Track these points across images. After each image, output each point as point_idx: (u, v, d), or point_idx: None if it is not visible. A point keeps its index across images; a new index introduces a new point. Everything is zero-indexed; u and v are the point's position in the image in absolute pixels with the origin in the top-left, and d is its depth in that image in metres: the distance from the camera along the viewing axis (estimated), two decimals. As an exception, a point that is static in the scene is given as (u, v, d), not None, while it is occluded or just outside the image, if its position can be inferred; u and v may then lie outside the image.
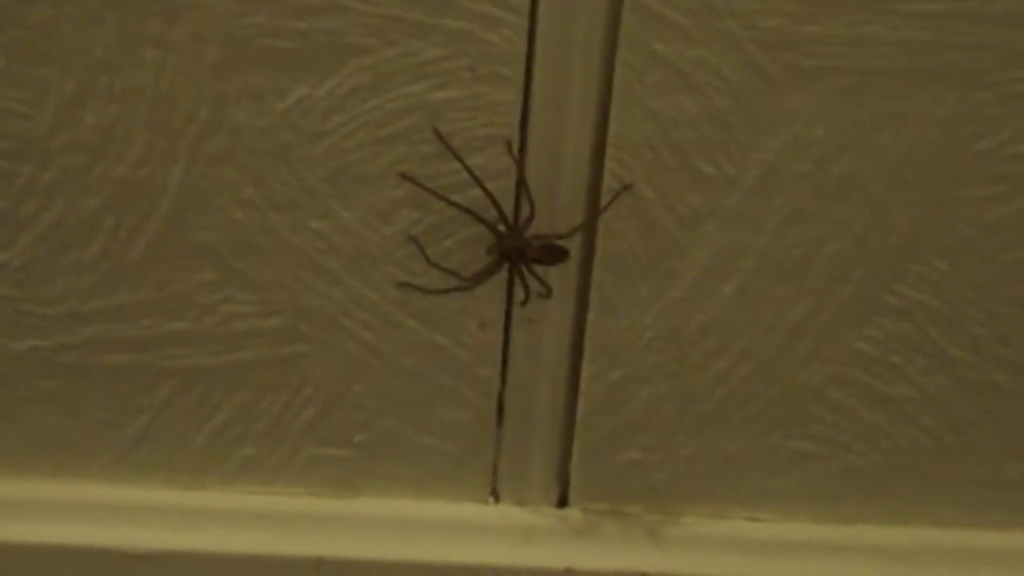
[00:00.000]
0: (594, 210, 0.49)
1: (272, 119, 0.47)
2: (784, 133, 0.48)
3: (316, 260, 0.50)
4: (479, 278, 0.49)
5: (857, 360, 0.52)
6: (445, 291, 0.50)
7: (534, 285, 0.50)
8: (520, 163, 0.48)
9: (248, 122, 0.47)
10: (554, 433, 0.53)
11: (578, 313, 0.51)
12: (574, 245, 0.50)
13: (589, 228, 0.50)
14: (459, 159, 0.48)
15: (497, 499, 0.54)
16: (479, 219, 0.48)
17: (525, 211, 0.49)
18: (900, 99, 0.47)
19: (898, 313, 0.51)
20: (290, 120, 0.47)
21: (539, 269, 0.50)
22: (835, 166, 0.48)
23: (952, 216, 0.49)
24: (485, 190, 0.48)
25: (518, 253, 0.49)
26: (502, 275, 0.50)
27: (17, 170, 0.48)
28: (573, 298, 0.51)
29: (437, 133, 0.48)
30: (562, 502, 0.55)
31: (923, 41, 0.46)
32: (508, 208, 0.49)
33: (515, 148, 0.48)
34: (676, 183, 0.49)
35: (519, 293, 0.50)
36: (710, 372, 0.52)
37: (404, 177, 0.48)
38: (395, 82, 0.47)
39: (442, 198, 0.48)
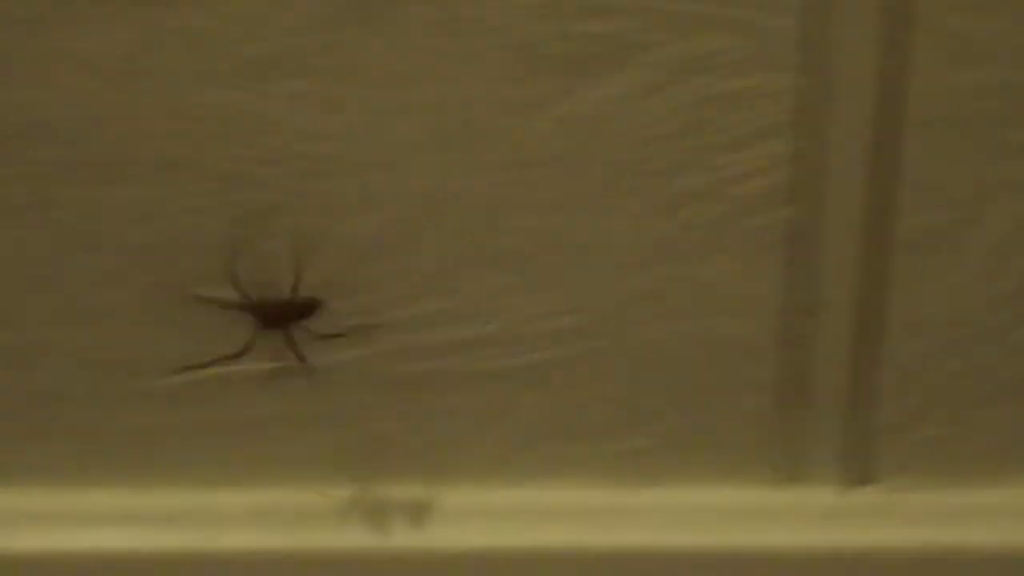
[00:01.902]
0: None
1: (553, 124, 0.48)
2: (1081, 95, 0.47)
3: (603, 259, 0.50)
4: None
5: None
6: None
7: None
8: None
9: (532, 127, 0.48)
10: (852, 413, 0.53)
11: (872, 291, 0.51)
12: (866, 220, 0.50)
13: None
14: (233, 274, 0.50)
15: (795, 481, 0.55)
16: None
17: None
18: None
19: None
20: (576, 123, 0.48)
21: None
22: None
23: None
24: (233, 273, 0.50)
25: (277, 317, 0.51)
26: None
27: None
28: (860, 276, 0.51)
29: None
30: (863, 481, 0.55)
31: None
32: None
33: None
34: (972, 157, 0.48)
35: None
36: (1008, 343, 0.52)
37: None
38: (678, 77, 0.48)
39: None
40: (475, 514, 0.54)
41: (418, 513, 0.54)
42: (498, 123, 0.48)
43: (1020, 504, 0.54)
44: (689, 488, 0.54)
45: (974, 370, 0.52)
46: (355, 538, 0.54)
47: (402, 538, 0.54)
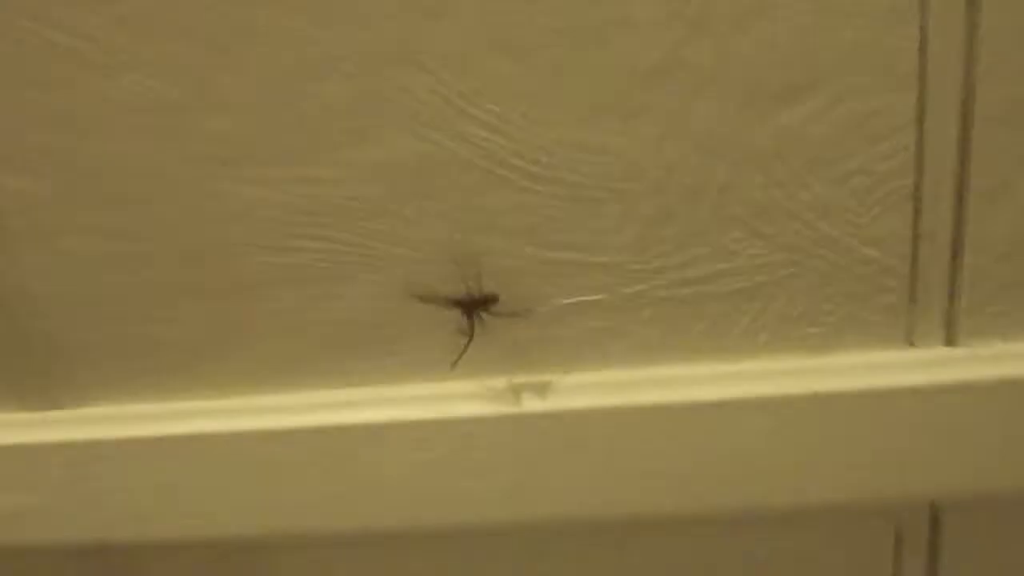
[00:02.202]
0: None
1: (763, 132, 0.77)
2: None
3: (801, 216, 0.79)
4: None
5: None
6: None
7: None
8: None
9: (748, 137, 0.77)
10: (948, 300, 0.82)
11: (960, 224, 0.79)
12: (957, 182, 0.79)
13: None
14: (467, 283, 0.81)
15: (913, 346, 0.83)
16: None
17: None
18: None
19: None
20: (776, 132, 0.77)
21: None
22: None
23: None
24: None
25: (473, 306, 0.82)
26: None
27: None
28: (953, 216, 0.80)
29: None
30: (954, 343, 0.83)
31: None
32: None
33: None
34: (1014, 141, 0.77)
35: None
36: (1045, 253, 0.81)
37: None
38: (838, 103, 0.76)
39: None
40: (718, 379, 0.84)
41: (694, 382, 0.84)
42: (725, 134, 0.77)
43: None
44: (846, 353, 0.84)
45: None
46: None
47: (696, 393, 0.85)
